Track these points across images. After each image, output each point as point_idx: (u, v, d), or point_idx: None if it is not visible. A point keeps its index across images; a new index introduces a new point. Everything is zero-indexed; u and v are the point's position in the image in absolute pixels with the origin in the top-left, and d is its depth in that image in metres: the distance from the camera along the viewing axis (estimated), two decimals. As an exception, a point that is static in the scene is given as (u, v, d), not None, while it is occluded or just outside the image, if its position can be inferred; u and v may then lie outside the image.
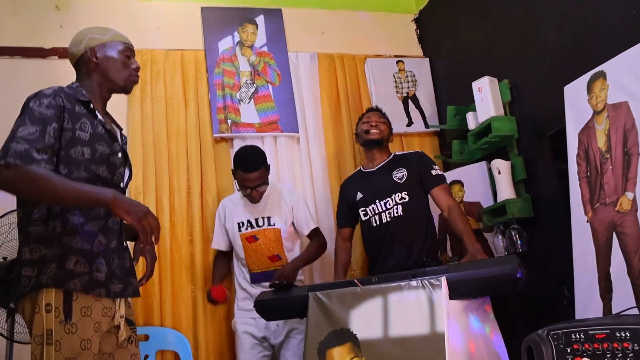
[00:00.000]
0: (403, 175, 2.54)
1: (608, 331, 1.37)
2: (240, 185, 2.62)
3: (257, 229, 2.69)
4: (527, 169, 2.74)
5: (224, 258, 2.79)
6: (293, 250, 2.76)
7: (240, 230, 2.68)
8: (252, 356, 2.57)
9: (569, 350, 1.41)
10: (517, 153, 2.81)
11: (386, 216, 2.53)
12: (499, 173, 2.78)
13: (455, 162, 3.21)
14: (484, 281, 1.89)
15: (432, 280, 1.89)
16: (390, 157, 2.68)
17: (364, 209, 2.61)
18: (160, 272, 2.88)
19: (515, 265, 1.84)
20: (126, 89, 1.82)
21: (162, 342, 2.72)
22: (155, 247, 2.84)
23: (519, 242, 2.70)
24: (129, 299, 1.77)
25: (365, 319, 1.95)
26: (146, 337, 2.70)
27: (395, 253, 2.46)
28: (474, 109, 2.96)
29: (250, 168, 2.59)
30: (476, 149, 3.00)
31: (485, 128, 2.84)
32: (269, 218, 2.70)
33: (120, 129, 1.88)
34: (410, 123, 3.51)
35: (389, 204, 2.52)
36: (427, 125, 3.51)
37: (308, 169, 3.28)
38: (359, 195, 2.61)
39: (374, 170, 2.66)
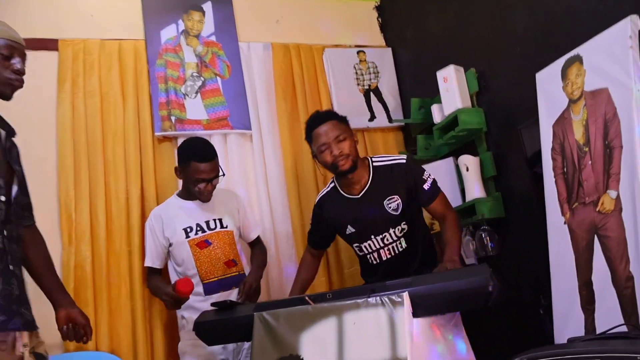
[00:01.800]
0: (397, 205, 2.12)
1: (598, 360, 1.14)
2: (193, 180, 2.32)
3: (209, 232, 2.40)
4: (497, 165, 2.52)
5: (159, 276, 2.44)
6: (241, 256, 2.51)
7: (188, 237, 2.38)
8: None
9: (552, 384, 1.17)
10: (485, 148, 2.59)
11: (386, 253, 2.17)
12: (467, 170, 2.56)
13: (421, 158, 2.97)
14: (451, 296, 1.64)
15: (393, 297, 1.64)
16: (371, 175, 2.15)
17: (357, 245, 2.24)
18: (95, 288, 2.57)
19: (487, 277, 1.60)
20: (2, 94, 1.52)
21: (96, 369, 2.41)
22: (89, 260, 2.60)
23: (490, 244, 2.49)
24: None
25: (318, 344, 1.68)
26: (77, 364, 2.39)
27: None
28: (439, 101, 2.73)
29: (207, 157, 2.32)
30: (442, 144, 2.77)
31: (452, 121, 2.61)
32: (220, 220, 2.43)
33: (12, 135, 1.57)
34: (372, 117, 3.27)
35: (387, 239, 2.16)
36: (390, 120, 3.28)
37: (262, 170, 3.01)
38: (350, 230, 2.22)
39: (358, 198, 2.16)
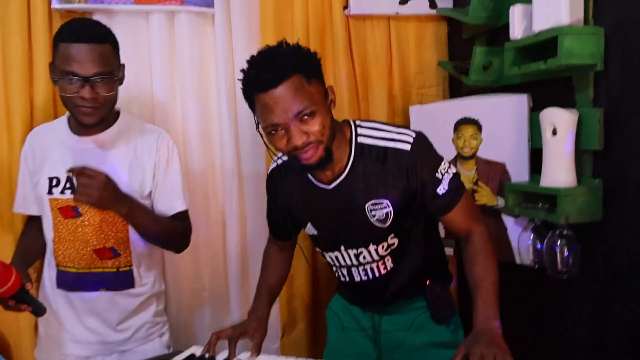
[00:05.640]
0: (386, 214, 1.28)
1: None
2: (62, 78, 1.32)
3: None
4: (608, 132, 1.49)
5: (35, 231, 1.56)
6: (149, 251, 1.54)
7: (50, 192, 1.45)
8: None
9: None
10: (592, 98, 1.52)
11: (360, 274, 1.38)
12: (554, 133, 1.54)
13: (474, 84, 1.92)
14: None
15: None
16: (351, 158, 1.27)
17: (319, 250, 1.44)
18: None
19: None
20: None
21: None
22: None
23: (567, 254, 1.57)
24: None
25: None
26: None
27: (386, 301, 1.42)
28: (528, 0, 1.60)
29: (84, 35, 1.31)
30: (516, 74, 1.69)
31: (546, 44, 1.52)
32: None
33: None
34: (406, -1, 2.13)
35: (364, 257, 1.35)
36: (433, 4, 2.14)
37: (228, 72, 1.96)
38: (311, 230, 1.40)
39: (329, 190, 1.31)
